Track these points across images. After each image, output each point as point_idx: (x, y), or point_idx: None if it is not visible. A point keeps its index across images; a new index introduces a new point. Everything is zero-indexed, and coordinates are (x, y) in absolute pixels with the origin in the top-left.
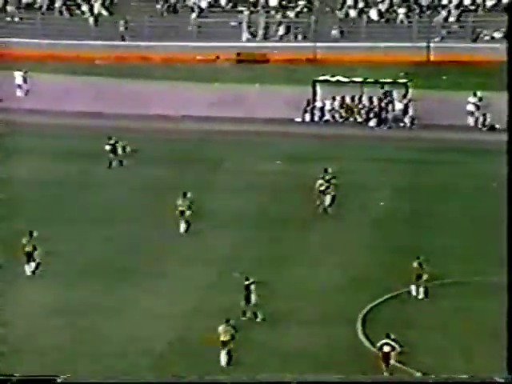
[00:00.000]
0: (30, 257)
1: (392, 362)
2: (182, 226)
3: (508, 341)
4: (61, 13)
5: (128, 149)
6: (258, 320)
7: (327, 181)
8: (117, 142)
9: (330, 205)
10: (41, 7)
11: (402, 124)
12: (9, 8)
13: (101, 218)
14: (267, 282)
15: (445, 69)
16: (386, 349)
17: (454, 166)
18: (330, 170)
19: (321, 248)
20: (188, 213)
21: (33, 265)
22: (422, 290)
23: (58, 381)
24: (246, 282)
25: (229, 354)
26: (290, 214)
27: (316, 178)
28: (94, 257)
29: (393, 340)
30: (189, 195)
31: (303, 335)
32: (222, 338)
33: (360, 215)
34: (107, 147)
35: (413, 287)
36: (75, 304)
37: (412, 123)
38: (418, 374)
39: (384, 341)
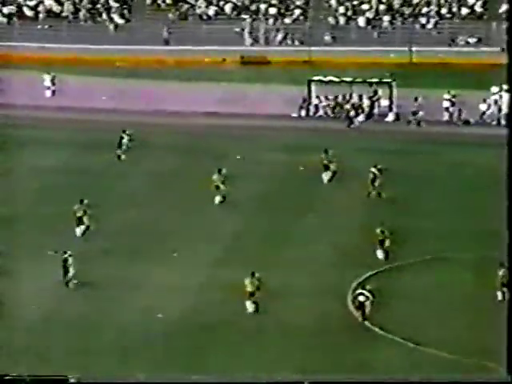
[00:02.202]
0: (80, 221)
1: (367, 310)
2: (218, 199)
3: (508, 341)
4: (85, 21)
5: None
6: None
7: (329, 160)
8: (131, 135)
9: (330, 180)
10: (67, 16)
11: (386, 119)
12: (40, 16)
13: (121, 203)
14: (269, 259)
15: (425, 70)
16: (361, 298)
17: (432, 155)
18: (330, 152)
19: (317, 228)
20: (223, 187)
21: (83, 227)
22: (383, 252)
23: (71, 381)
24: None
25: (255, 303)
26: (288, 197)
27: (310, 164)
28: (114, 236)
29: (368, 291)
30: (223, 171)
31: (301, 306)
32: (248, 289)
33: (349, 199)
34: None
35: (378, 252)
36: (99, 278)
37: (396, 118)
38: (398, 339)
39: (359, 291)
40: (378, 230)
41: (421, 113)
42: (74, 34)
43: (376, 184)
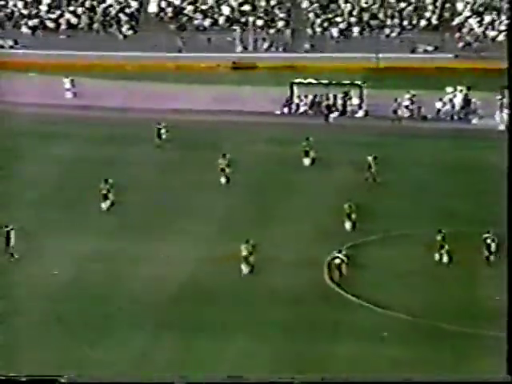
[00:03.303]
0: (105, 197)
1: (344, 271)
2: (223, 180)
3: (508, 341)
4: (98, 31)
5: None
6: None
7: (310, 147)
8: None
9: (311, 164)
10: (83, 27)
11: (357, 115)
12: (60, 28)
13: (130, 187)
14: (258, 234)
15: (390, 73)
16: (337, 261)
17: (396, 146)
18: (311, 139)
19: (299, 208)
20: (227, 170)
21: (108, 202)
22: (350, 223)
23: (62, 381)
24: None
25: (249, 265)
26: (274, 181)
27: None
28: (124, 217)
29: (343, 255)
30: (228, 155)
31: (284, 275)
32: (243, 254)
33: (327, 183)
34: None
35: (346, 223)
36: (110, 253)
37: (365, 115)
38: (367, 304)
39: (335, 254)
40: (346, 205)
41: (399, 111)
42: (89, 43)
43: (372, 170)
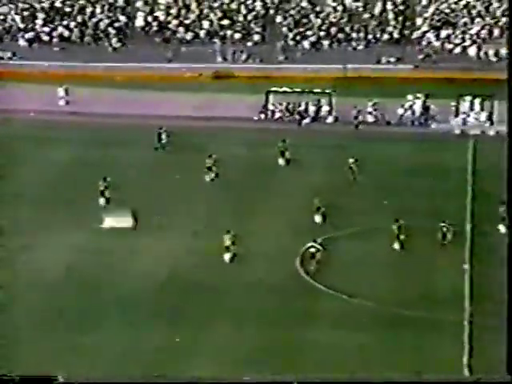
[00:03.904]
0: (102, 193)
1: (318, 259)
2: (209, 177)
3: (508, 341)
4: (89, 44)
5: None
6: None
7: (285, 148)
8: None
9: (286, 164)
10: (75, 40)
11: (327, 121)
12: (54, 41)
13: (121, 186)
14: (238, 229)
15: (357, 82)
16: (312, 250)
17: (362, 148)
18: (287, 141)
19: (274, 205)
20: (214, 168)
21: (103, 199)
22: (320, 217)
23: (59, 380)
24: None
25: (231, 254)
26: (251, 181)
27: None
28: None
29: (318, 244)
30: (214, 156)
31: (262, 267)
32: (226, 244)
33: (300, 182)
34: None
35: (316, 217)
36: (103, 246)
37: (335, 120)
38: (336, 293)
39: (310, 244)
40: (316, 200)
41: (360, 117)
42: (81, 55)
43: (354, 170)
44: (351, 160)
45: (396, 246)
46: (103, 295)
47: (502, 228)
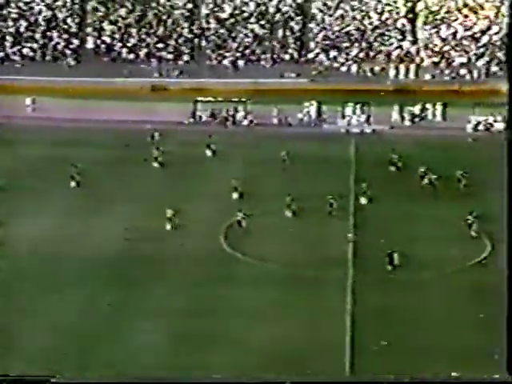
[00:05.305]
0: (73, 178)
1: (243, 225)
2: (156, 164)
3: (508, 341)
4: (49, 61)
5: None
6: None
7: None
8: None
9: (212, 155)
10: (38, 59)
11: (243, 123)
12: (20, 59)
13: (81, 178)
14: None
15: (266, 93)
16: (239, 218)
17: (270, 145)
18: (213, 136)
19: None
20: (160, 159)
21: (74, 183)
22: (237, 194)
23: (52, 381)
24: None
25: (172, 224)
26: (183, 171)
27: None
28: (77, 200)
29: (243, 213)
30: (161, 148)
31: (192, 242)
32: (167, 215)
33: (224, 170)
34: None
35: (234, 194)
36: (66, 225)
37: (249, 123)
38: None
39: (238, 213)
40: (233, 181)
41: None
42: (44, 70)
43: (286, 162)
44: (283, 152)
45: (288, 214)
46: (64, 265)
47: (363, 200)
